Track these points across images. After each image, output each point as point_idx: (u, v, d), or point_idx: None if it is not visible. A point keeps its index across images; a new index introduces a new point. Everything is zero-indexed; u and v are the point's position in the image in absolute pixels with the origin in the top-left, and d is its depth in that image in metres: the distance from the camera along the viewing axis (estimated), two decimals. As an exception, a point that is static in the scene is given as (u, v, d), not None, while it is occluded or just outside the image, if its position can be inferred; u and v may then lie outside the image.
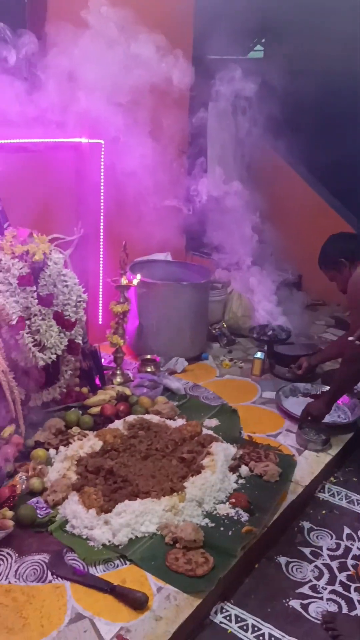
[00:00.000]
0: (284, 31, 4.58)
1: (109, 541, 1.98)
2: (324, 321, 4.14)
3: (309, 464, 2.53)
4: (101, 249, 3.31)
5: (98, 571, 1.88)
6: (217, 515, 2.15)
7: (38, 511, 2.08)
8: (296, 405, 2.91)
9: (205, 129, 4.09)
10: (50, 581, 1.84)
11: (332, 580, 2.05)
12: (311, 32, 4.48)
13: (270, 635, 1.81)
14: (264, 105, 4.49)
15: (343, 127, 4.10)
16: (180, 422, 2.68)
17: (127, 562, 1.92)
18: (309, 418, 2.68)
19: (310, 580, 2.04)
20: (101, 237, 3.29)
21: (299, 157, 4.59)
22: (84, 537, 2.00)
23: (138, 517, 2.04)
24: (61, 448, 2.42)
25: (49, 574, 1.86)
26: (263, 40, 6.00)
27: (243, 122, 4.17)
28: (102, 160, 3.18)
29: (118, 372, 3.05)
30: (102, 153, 3.17)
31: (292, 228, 4.31)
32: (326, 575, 2.07)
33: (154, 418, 2.66)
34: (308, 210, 4.48)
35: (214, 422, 2.77)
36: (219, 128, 4.11)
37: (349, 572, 2.10)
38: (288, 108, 4.47)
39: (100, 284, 3.34)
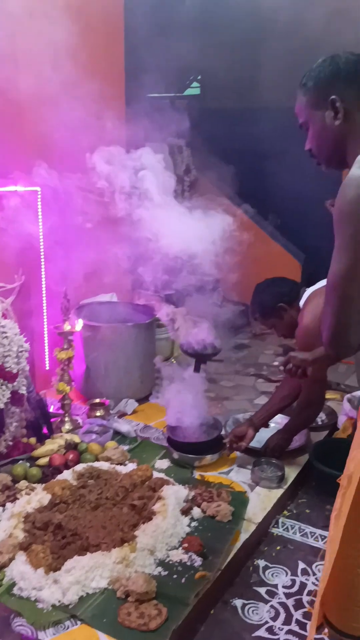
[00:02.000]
0: (219, 67, 4.73)
1: (59, 601, 1.92)
2: (272, 350, 4.20)
3: (261, 500, 2.53)
4: (44, 295, 3.29)
5: (47, 635, 1.83)
6: (170, 562, 2.12)
7: (-16, 575, 2.02)
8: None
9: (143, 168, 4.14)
10: (-3, 650, 1.78)
11: (288, 620, 2.04)
12: (246, 67, 4.63)
13: None
14: (201, 142, 4.60)
15: (279, 161, 4.22)
16: (131, 466, 2.66)
17: (78, 622, 1.88)
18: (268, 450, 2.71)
19: (266, 622, 2.03)
20: (43, 282, 3.28)
21: (240, 193, 4.69)
22: (33, 599, 1.94)
23: (88, 572, 2.00)
24: (8, 505, 2.36)
25: (-3, 642, 1.80)
26: (199, 77, 6.17)
27: (181, 160, 4.25)
28: (40, 207, 3.18)
29: (66, 419, 3.01)
30: (39, 200, 3.17)
31: (236, 261, 4.38)
32: (282, 615, 2.06)
33: (104, 465, 2.63)
34: (252, 244, 4.55)
35: (165, 463, 2.75)
36: (157, 166, 4.16)
37: (305, 609, 2.09)
38: (227, 144, 4.59)
39: (45, 330, 3.32)
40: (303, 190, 4.03)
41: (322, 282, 2.67)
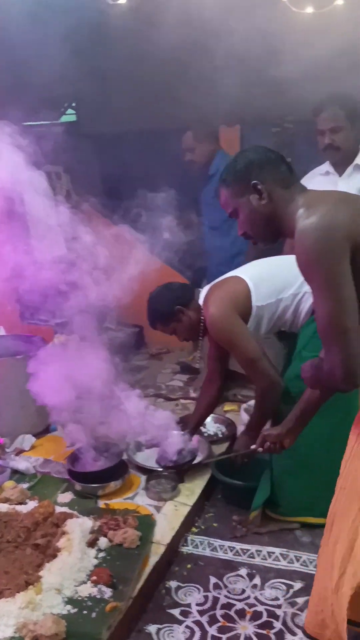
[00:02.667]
0: (93, 93, 4.74)
1: None
2: (169, 369, 4.22)
3: (169, 520, 2.52)
4: None
5: None
6: (79, 598, 2.05)
7: None
8: (149, 458, 2.91)
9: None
10: None
11: (203, 637, 2.03)
12: (121, 92, 4.66)
13: None
14: (80, 167, 4.58)
15: (157, 183, 4.28)
16: (32, 504, 2.55)
17: None
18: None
19: (182, 644, 2.01)
20: None
21: (123, 215, 4.69)
22: None
23: (-8, 623, 1.88)
24: None
25: None
26: (73, 104, 6.16)
27: (60, 186, 4.21)
28: None
29: None
30: None
31: (127, 282, 4.38)
32: (197, 634, 2.05)
33: (3, 507, 2.50)
34: (140, 264, 4.58)
35: (68, 496, 2.67)
36: (35, 196, 4.10)
37: (220, 624, 2.09)
38: (105, 168, 4.60)
39: None
40: (182, 208, 4.12)
41: (220, 278, 2.72)
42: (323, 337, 1.53)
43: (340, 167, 2.84)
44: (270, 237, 1.74)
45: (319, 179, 2.94)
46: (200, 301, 2.69)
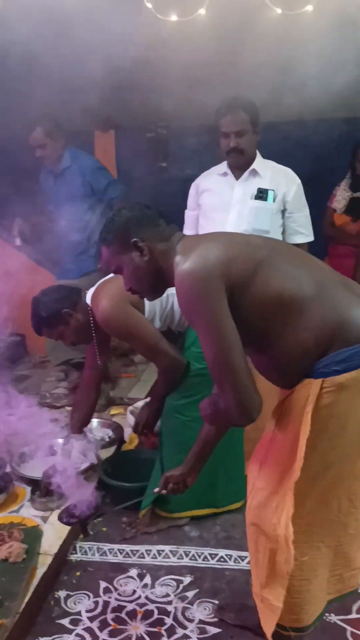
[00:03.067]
0: None
1: None
2: (54, 377, 4.14)
3: (56, 529, 2.47)
4: None
5: None
6: None
7: None
8: (34, 468, 2.83)
9: None
10: None
11: (95, 643, 2.01)
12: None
13: None
14: None
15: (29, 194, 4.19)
16: None
17: None
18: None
19: (73, 652, 1.97)
20: None
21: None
22: None
23: None
24: None
25: None
26: None
27: None
28: None
29: None
30: None
31: (5, 291, 4.24)
32: (88, 640, 2.02)
33: None
34: (16, 271, 4.45)
35: None
36: None
37: (111, 627, 2.08)
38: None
39: None
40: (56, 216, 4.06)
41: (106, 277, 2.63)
42: (214, 378, 1.58)
43: (237, 170, 2.90)
44: (157, 290, 1.79)
45: (217, 179, 2.94)
46: (88, 301, 2.61)
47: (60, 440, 2.96)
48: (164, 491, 2.01)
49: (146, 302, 2.47)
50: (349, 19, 2.79)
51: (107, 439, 3.24)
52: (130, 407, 3.36)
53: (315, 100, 3.06)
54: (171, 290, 2.52)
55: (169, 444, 2.60)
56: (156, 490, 2.06)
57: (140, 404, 3.35)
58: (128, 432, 3.24)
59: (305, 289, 1.53)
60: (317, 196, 3.33)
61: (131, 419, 3.19)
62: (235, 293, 1.52)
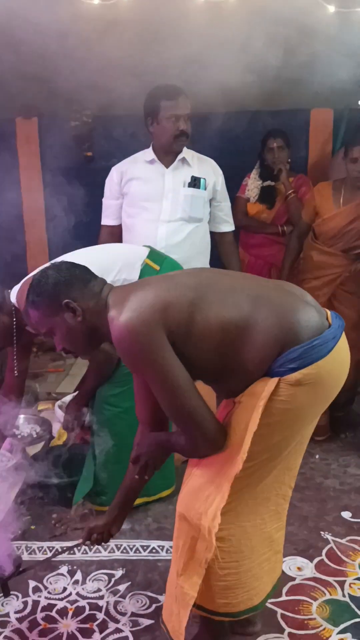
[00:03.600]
0: None
1: None
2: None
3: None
4: None
5: None
6: None
7: None
8: None
9: None
10: None
11: (24, 644, 1.95)
12: None
13: None
14: None
15: None
16: None
17: None
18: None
19: (1, 656, 1.91)
20: None
21: None
22: None
23: None
24: None
25: None
26: None
27: None
28: None
29: None
30: None
31: None
32: (17, 641, 1.96)
33: None
34: None
35: None
36: None
37: (41, 627, 2.02)
38: None
39: None
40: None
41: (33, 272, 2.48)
42: (176, 422, 1.59)
43: (165, 158, 2.86)
44: (92, 348, 1.75)
45: (145, 166, 2.88)
46: (14, 300, 2.45)
47: None
48: (87, 543, 1.95)
49: None
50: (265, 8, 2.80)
51: (35, 435, 3.16)
52: (58, 402, 3.29)
53: (222, 92, 3.06)
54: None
55: (101, 436, 2.55)
56: (79, 541, 1.98)
57: (68, 398, 3.28)
58: (57, 428, 3.17)
59: (243, 308, 1.56)
60: (228, 187, 3.35)
61: (60, 414, 3.13)
62: (177, 338, 1.53)
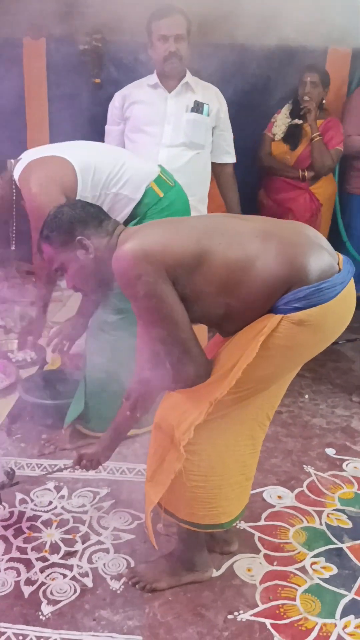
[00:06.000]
0: None
1: None
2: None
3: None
4: None
5: None
6: None
7: None
8: None
9: None
10: None
11: (8, 549, 2.02)
12: None
13: None
14: None
15: None
16: None
17: None
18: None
19: (-15, 558, 1.98)
20: None
21: None
22: None
23: None
24: None
25: None
26: None
27: None
28: None
29: None
30: None
31: None
32: (1, 547, 2.03)
33: None
34: None
35: None
36: None
37: (25, 535, 2.09)
38: None
39: None
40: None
41: (38, 151, 2.34)
42: (165, 353, 1.60)
43: (168, 82, 2.78)
44: (102, 287, 1.77)
45: (148, 91, 2.82)
46: (15, 175, 2.29)
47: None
48: (76, 467, 2.02)
49: (78, 196, 2.26)
50: None
51: (29, 360, 3.19)
52: (54, 329, 3.30)
53: (256, 25, 2.95)
54: (105, 190, 2.34)
55: (93, 362, 2.57)
56: (70, 464, 2.06)
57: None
58: (51, 355, 3.19)
59: (250, 248, 1.56)
60: (252, 125, 3.28)
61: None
62: (180, 277, 1.54)
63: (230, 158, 2.99)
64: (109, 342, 2.52)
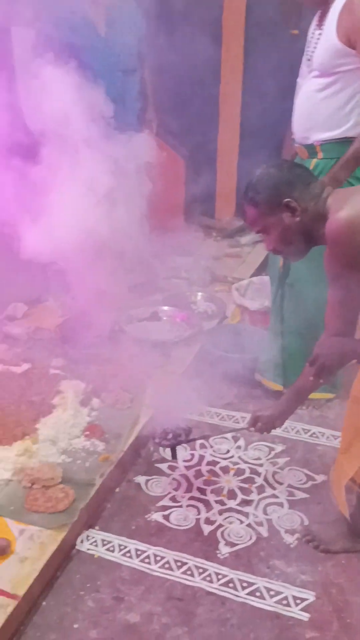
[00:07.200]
0: None
1: None
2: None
3: (161, 385, 2.60)
4: None
5: None
6: (73, 449, 2.16)
7: None
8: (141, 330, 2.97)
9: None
10: None
11: (189, 488, 2.17)
12: None
13: (137, 550, 1.89)
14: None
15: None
16: (26, 366, 2.62)
17: (-16, 514, 1.88)
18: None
19: (169, 493, 2.14)
20: None
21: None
22: None
23: (-11, 466, 1.98)
24: None
25: None
26: None
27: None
28: None
29: None
30: None
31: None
32: (184, 485, 2.18)
33: (-4, 367, 2.57)
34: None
35: (61, 361, 2.73)
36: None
37: (205, 477, 2.23)
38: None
39: None
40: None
41: None
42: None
43: None
44: (304, 250, 1.74)
45: None
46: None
47: (166, 308, 3.07)
48: (251, 428, 2.04)
49: None
50: None
51: (210, 312, 3.31)
52: (235, 285, 3.37)
53: None
54: None
55: (291, 313, 2.51)
56: (245, 425, 2.09)
57: (244, 282, 3.36)
58: (231, 308, 3.28)
59: None
60: None
61: (236, 295, 3.22)
62: None
63: None
64: (306, 291, 2.42)
